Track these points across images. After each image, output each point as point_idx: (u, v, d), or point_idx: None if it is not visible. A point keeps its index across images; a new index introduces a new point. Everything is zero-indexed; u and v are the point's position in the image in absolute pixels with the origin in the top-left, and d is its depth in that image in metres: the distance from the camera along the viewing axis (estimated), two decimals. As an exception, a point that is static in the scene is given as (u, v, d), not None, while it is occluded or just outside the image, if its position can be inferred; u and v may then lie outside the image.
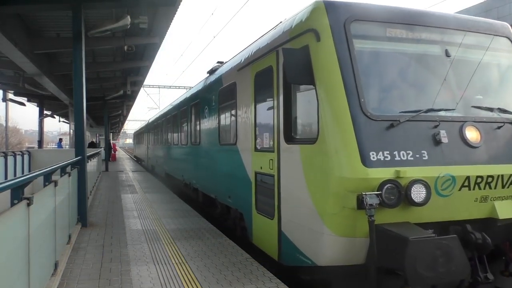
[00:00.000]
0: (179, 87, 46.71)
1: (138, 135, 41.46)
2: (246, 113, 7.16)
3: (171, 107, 17.48)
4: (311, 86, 5.02)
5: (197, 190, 11.63)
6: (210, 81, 10.18)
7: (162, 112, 21.09)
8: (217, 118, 9.11)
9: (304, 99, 5.64)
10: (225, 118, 8.81)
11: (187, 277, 5.30)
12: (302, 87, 5.55)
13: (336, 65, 4.68)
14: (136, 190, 15.29)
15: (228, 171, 8.37)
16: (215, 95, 9.35)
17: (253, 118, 6.83)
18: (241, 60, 7.64)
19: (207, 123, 10.10)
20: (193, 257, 6.20)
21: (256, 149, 6.73)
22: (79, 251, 6.53)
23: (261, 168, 6.44)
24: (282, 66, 5.61)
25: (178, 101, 15.71)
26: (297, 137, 5.57)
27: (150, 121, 28.54)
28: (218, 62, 10.30)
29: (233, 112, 8.01)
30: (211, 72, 10.40)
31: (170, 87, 47.58)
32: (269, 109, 6.24)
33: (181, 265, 5.81)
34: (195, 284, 5.05)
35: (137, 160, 43.10)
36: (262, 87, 6.51)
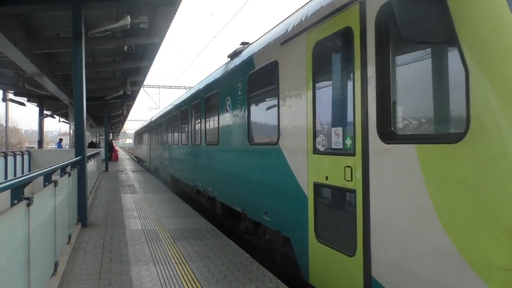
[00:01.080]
0: (179, 87, 46.81)
1: (140, 135, 38.91)
2: (297, 100, 5.28)
3: (178, 102, 15.49)
4: (426, 52, 3.50)
5: (215, 200, 9.76)
6: (233, 67, 8.28)
7: (167, 109, 18.95)
8: (245, 111, 7.24)
9: (422, 70, 3.73)
10: (259, 110, 7.07)
11: (187, 277, 5.29)
12: (409, 55, 3.77)
13: (507, 10, 2.74)
14: (136, 190, 15.28)
15: (264, 179, 6.46)
16: (242, 82, 7.46)
17: (310, 107, 4.93)
18: (287, 30, 5.71)
19: (229, 118, 8.21)
20: (193, 257, 6.20)
21: (316, 151, 4.81)
22: (79, 251, 6.53)
23: (326, 178, 4.57)
24: (370, 26, 3.83)
25: (187, 95, 13.81)
26: (408, 132, 3.68)
27: (153, 119, 26.47)
28: (242, 44, 8.51)
29: (272, 101, 6.26)
30: (234, 55, 8.51)
31: (170, 87, 47.70)
32: (340, 91, 4.56)
33: (181, 265, 5.81)
34: (195, 284, 5.05)
35: (138, 161, 41.24)
36: (328, 62, 4.83)
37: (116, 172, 24.57)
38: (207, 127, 10.39)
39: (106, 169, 25.86)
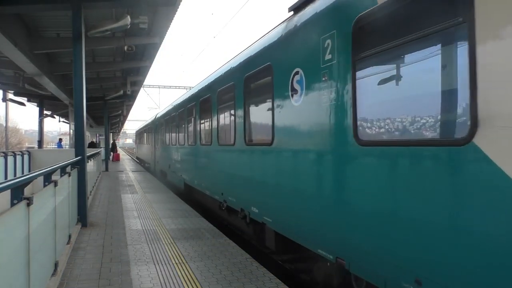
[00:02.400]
0: (179, 87, 46.83)
1: (142, 134, 35.20)
2: None
3: (196, 91, 12.08)
4: None
5: (263, 226, 6.70)
6: (304, 23, 5.30)
7: (179, 101, 15.39)
8: (346, 84, 4.25)
9: None
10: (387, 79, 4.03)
11: (187, 277, 5.29)
12: None
13: None
14: (136, 190, 15.28)
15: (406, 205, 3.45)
16: (343, 39, 4.32)
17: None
18: None
19: (300, 102, 5.27)
20: (193, 257, 6.20)
21: None
22: (79, 251, 6.53)
23: None
24: None
25: (210, 81, 10.40)
26: None
27: (158, 115, 22.58)
28: None
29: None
30: (303, 4, 5.48)
31: (170, 87, 47.71)
32: None
33: (181, 265, 5.80)
34: (195, 284, 5.04)
35: (140, 162, 38.37)
36: None
37: (116, 172, 24.57)
38: (251, 121, 7.36)
39: (106, 169, 25.86)
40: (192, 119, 12.35)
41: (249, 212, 7.15)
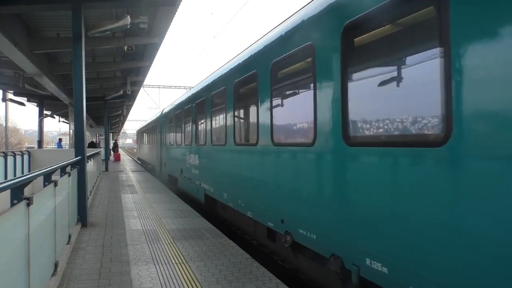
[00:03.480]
0: (179, 87, 46.84)
1: (145, 132, 31.55)
2: None
3: (229, 70, 8.66)
4: None
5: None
6: None
7: (198, 88, 11.84)
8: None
9: None
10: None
11: (187, 277, 5.29)
12: None
13: None
14: (136, 190, 15.28)
15: None
16: None
17: None
18: None
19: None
20: (193, 257, 6.20)
21: None
22: (79, 251, 6.53)
23: None
24: None
25: (243, 58, 7.70)
26: None
27: (166, 110, 19.14)
28: None
29: None
30: None
31: (170, 87, 47.72)
32: None
33: (181, 265, 5.80)
34: (195, 284, 5.04)
35: (142, 164, 34.99)
36: None
37: (116, 172, 24.57)
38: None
39: (106, 169, 25.87)
40: (221, 109, 9.07)
41: (359, 266, 4.06)
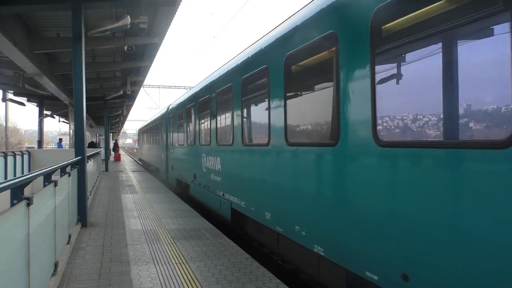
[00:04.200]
0: (179, 87, 46.85)
1: (148, 131, 28.63)
2: None
3: (264, 47, 6.67)
4: None
5: None
6: None
7: (218, 75, 9.59)
8: None
9: None
10: None
11: (187, 277, 5.29)
12: None
13: None
14: (136, 190, 15.28)
15: None
16: None
17: None
18: None
19: None
20: (193, 257, 6.20)
21: None
22: (79, 251, 6.53)
23: None
24: None
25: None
26: None
27: (172, 106, 16.90)
28: None
29: None
30: None
31: (170, 87, 47.73)
32: None
33: (181, 265, 5.80)
34: (195, 284, 5.04)
35: (144, 165, 32.43)
36: None
37: (116, 172, 24.57)
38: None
39: (106, 169, 25.86)
40: (261, 97, 6.93)
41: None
